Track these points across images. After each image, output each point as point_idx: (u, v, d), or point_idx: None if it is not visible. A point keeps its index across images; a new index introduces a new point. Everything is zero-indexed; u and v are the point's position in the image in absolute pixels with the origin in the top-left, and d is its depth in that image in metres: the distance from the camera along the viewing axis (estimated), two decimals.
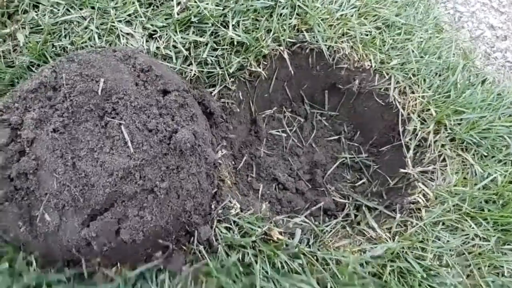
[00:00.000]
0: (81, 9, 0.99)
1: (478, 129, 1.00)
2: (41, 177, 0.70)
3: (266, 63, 0.99)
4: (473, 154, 0.99)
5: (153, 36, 0.95)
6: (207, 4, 0.97)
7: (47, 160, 0.70)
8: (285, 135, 1.06)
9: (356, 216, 0.96)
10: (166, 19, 0.97)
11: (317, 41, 1.02)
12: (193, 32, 0.95)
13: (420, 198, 0.92)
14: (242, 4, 0.97)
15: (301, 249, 0.82)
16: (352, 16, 1.08)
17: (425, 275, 0.81)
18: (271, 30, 0.99)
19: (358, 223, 0.92)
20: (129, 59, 0.80)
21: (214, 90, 0.94)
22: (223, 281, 0.74)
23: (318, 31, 1.02)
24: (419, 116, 1.01)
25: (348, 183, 1.03)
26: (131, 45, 0.94)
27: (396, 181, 1.00)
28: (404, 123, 1.01)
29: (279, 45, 0.99)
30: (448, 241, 0.86)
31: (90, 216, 0.71)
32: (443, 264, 0.84)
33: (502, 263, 0.86)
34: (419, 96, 1.01)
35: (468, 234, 0.88)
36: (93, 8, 0.98)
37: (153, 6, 0.99)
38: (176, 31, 0.95)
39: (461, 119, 1.01)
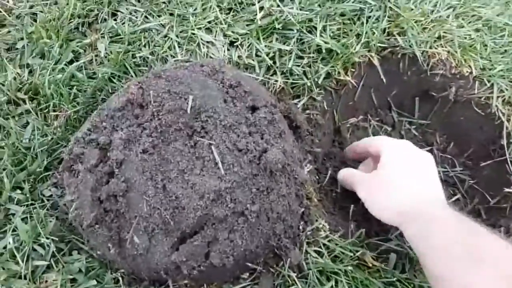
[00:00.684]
0: (159, 16, 0.96)
1: None
2: (131, 199, 0.68)
3: (354, 70, 0.92)
4: None
5: (235, 44, 0.91)
6: (290, 8, 0.91)
7: (136, 182, 0.68)
8: None
9: None
10: (247, 25, 0.92)
11: (410, 46, 0.94)
12: (277, 40, 0.90)
13: None
14: (329, 8, 0.90)
15: (397, 276, 0.76)
16: (448, 17, 0.99)
17: None
18: (360, 35, 0.92)
19: None
20: (217, 74, 0.77)
21: (299, 102, 0.89)
22: None
23: (412, 35, 0.94)
24: None
25: None
26: (212, 54, 0.90)
27: (498, 199, 0.91)
28: (508, 136, 0.92)
29: (369, 51, 0.93)
30: None
31: (179, 239, 0.69)
32: None
33: None
34: None
35: None
36: (171, 15, 0.95)
37: (234, 12, 0.95)
38: (258, 39, 0.90)
39: None
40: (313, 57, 0.89)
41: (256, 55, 0.90)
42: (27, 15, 0.99)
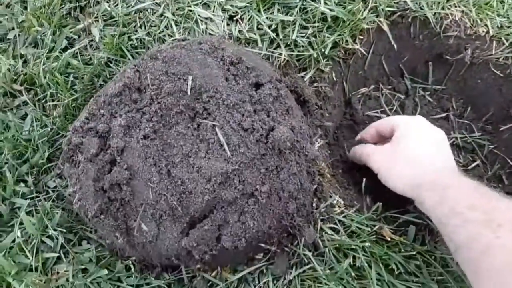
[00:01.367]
0: None
1: None
2: (135, 187, 0.66)
3: (362, 37, 0.88)
4: None
5: (234, 18, 0.87)
6: None
7: (140, 169, 0.66)
8: (384, 115, 0.95)
9: None
10: None
11: (421, 8, 0.88)
12: (278, 10, 0.86)
13: None
14: None
15: (416, 249, 0.73)
16: None
17: None
18: (367, 0, 0.86)
19: None
20: (217, 51, 0.73)
21: (306, 75, 0.84)
22: None
23: None
24: None
25: (460, 166, 0.91)
26: (212, 30, 0.86)
27: None
28: None
29: (377, 16, 0.87)
30: None
31: (189, 224, 0.67)
32: None
33: None
34: None
35: None
36: None
37: None
38: (259, 11, 0.85)
39: None
40: (318, 26, 0.85)
41: (258, 28, 0.85)
42: (16, 3, 0.96)
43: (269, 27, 0.84)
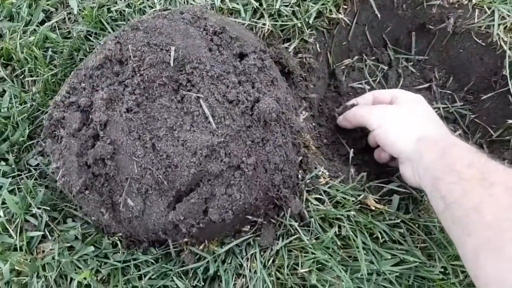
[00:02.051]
0: None
1: None
2: (119, 161, 0.66)
3: (346, 6, 0.86)
4: None
5: None
6: None
7: (124, 143, 0.65)
8: (368, 87, 0.95)
9: None
10: None
11: None
12: None
13: None
14: None
15: (400, 217, 0.75)
16: None
17: None
18: None
19: None
20: (199, 20, 0.71)
21: (290, 45, 0.83)
22: (320, 257, 0.68)
23: None
24: None
25: None
26: (193, 0, 0.84)
27: (501, 132, 0.88)
28: (511, 65, 0.87)
29: None
30: None
31: (175, 198, 0.66)
32: None
33: None
34: None
35: None
36: None
37: None
38: None
39: None
40: None
41: None
42: None
43: None
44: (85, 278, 0.69)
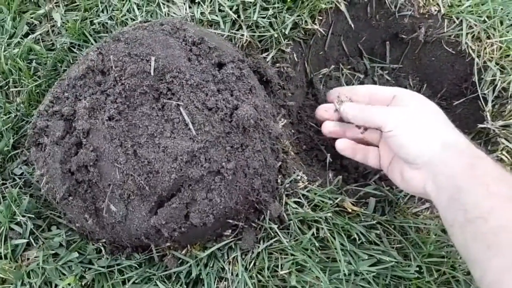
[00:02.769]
0: None
1: None
2: (102, 168, 0.67)
3: (321, 18, 0.90)
4: None
5: (196, 1, 0.88)
6: None
7: (106, 151, 0.67)
8: None
9: None
10: None
11: None
12: None
13: (504, 155, 0.84)
14: None
15: (377, 219, 0.77)
16: None
17: None
18: None
19: None
20: (178, 31, 0.74)
21: (268, 55, 0.86)
22: (299, 258, 0.71)
23: None
24: (497, 63, 0.90)
25: None
26: (174, 13, 0.87)
27: (473, 136, 0.92)
28: (480, 72, 0.91)
29: None
30: None
31: (157, 203, 0.68)
32: None
33: None
34: (496, 41, 0.90)
35: None
36: None
37: None
38: None
39: None
40: (278, 7, 0.86)
41: (219, 10, 0.86)
42: None
43: (231, 8, 0.85)
44: (69, 284, 0.71)
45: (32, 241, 0.74)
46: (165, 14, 0.87)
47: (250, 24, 0.86)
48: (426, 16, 0.95)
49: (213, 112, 0.70)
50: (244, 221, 0.75)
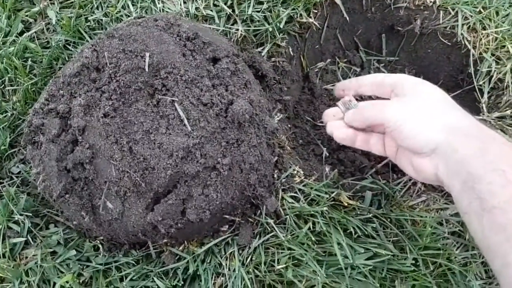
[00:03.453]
0: None
1: None
2: (98, 165, 0.68)
3: (316, 11, 0.90)
4: None
5: None
6: None
7: (102, 148, 0.67)
8: None
9: None
10: None
11: None
12: None
13: None
14: None
15: (373, 212, 0.77)
16: None
17: None
18: None
19: None
20: (172, 27, 0.74)
21: (263, 49, 0.86)
22: (296, 252, 0.71)
23: None
24: (493, 55, 0.90)
25: None
26: (168, 9, 0.87)
27: None
28: (475, 64, 0.91)
29: None
30: None
31: (153, 200, 0.68)
32: None
33: None
34: (492, 32, 0.89)
35: None
36: None
37: None
38: None
39: None
40: (272, 1, 0.86)
41: (214, 5, 0.86)
42: None
43: (225, 3, 0.85)
44: (67, 282, 0.71)
45: (30, 239, 0.75)
46: (159, 10, 0.87)
47: (245, 18, 0.86)
48: (422, 7, 0.94)
49: (208, 107, 0.70)
50: (241, 216, 0.76)
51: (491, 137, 0.57)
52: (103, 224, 0.70)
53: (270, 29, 0.84)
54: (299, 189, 0.78)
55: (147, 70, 0.69)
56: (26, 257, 0.74)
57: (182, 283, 0.73)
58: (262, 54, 0.86)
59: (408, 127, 0.62)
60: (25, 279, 0.72)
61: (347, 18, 0.94)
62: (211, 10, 0.86)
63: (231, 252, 0.74)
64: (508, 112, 0.87)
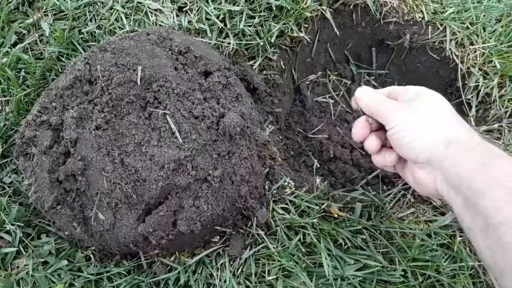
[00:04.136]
0: None
1: None
2: (90, 177, 0.68)
3: (307, 25, 0.91)
4: None
5: (183, 10, 0.89)
6: None
7: (93, 160, 0.68)
8: (332, 101, 1.00)
9: None
10: None
11: None
12: (226, 1, 0.88)
13: None
14: None
15: (363, 224, 0.78)
16: None
17: None
18: None
19: None
20: (165, 41, 0.75)
21: (254, 63, 0.87)
22: (286, 264, 0.71)
23: None
24: (480, 69, 0.92)
25: None
26: (161, 22, 0.88)
27: None
28: (463, 78, 0.93)
29: (320, 4, 0.91)
30: None
31: (145, 211, 0.69)
32: None
33: None
34: (479, 48, 0.91)
35: None
36: None
37: None
38: (207, 2, 0.88)
39: None
40: (264, 15, 0.88)
41: (206, 19, 0.88)
42: None
43: (217, 17, 0.87)
44: None
45: (22, 249, 0.75)
46: (152, 23, 0.88)
47: (236, 32, 0.87)
48: (411, 22, 0.96)
49: (199, 120, 0.70)
50: (232, 227, 0.76)
51: (494, 153, 0.55)
52: (95, 235, 0.71)
53: (262, 43, 0.86)
54: (290, 201, 0.78)
55: (139, 83, 0.70)
56: (18, 267, 0.74)
57: None
58: (254, 67, 0.87)
59: (406, 134, 0.61)
60: None
61: (338, 33, 0.96)
62: (204, 24, 0.87)
63: (222, 263, 0.74)
64: (496, 125, 0.89)
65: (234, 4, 0.88)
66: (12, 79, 0.83)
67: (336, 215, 0.78)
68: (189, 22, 0.87)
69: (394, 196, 0.85)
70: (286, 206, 0.78)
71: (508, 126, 0.88)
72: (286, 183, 0.80)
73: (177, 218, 0.69)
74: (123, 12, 0.89)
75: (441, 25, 0.95)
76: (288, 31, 0.88)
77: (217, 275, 0.74)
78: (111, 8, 0.90)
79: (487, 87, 0.91)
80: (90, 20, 0.90)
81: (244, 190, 0.73)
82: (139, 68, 0.70)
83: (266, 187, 0.80)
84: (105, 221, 0.68)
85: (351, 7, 0.95)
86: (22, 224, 0.76)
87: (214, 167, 0.70)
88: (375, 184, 0.91)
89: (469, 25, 0.94)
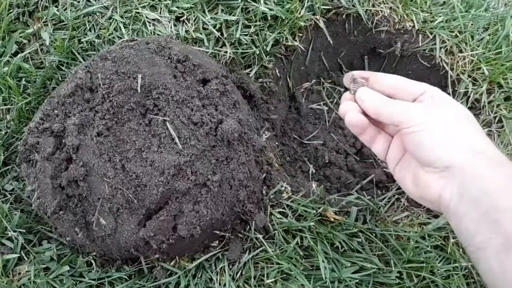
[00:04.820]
0: None
1: None
2: (91, 182, 0.69)
3: (301, 34, 0.94)
4: None
5: (181, 19, 0.91)
6: None
7: (95, 165, 0.69)
8: (327, 108, 1.02)
9: None
10: None
11: (353, 5, 0.96)
12: (222, 11, 0.91)
13: None
14: None
15: (358, 227, 0.80)
16: None
17: None
18: None
19: None
20: (164, 50, 0.77)
21: (251, 71, 0.90)
22: (284, 266, 0.73)
23: None
24: (469, 76, 0.95)
25: None
26: (159, 31, 0.90)
27: None
28: (453, 84, 0.95)
29: (314, 14, 0.94)
30: None
31: (145, 216, 0.70)
32: None
33: None
34: (468, 55, 0.94)
35: None
36: None
37: None
38: (204, 11, 0.90)
39: None
40: (259, 25, 0.90)
41: (203, 28, 0.90)
42: None
43: (214, 26, 0.89)
44: None
45: (24, 255, 0.75)
46: (151, 32, 0.90)
47: (233, 41, 0.89)
48: (402, 31, 0.99)
49: (198, 126, 0.72)
50: (231, 232, 0.78)
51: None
52: (96, 240, 0.72)
53: (258, 52, 0.88)
54: (287, 205, 0.80)
55: (139, 91, 0.72)
56: (19, 273, 0.75)
57: None
58: (250, 75, 0.89)
59: (427, 135, 0.56)
60: None
61: (331, 41, 0.98)
62: (201, 33, 0.89)
63: (221, 267, 0.76)
64: (485, 130, 0.91)
65: (230, 14, 0.90)
66: (13, 88, 0.84)
67: (332, 219, 0.80)
68: (186, 31, 0.89)
69: (389, 200, 0.87)
70: (283, 210, 0.80)
71: (497, 131, 0.91)
72: (283, 188, 0.82)
73: (177, 222, 0.70)
74: (121, 21, 0.91)
75: (431, 33, 0.98)
76: (283, 40, 0.91)
77: (217, 279, 0.75)
78: (110, 18, 0.92)
79: (476, 93, 0.93)
80: (90, 30, 0.92)
81: (242, 194, 0.75)
82: (139, 76, 0.72)
83: (264, 192, 0.81)
84: (107, 226, 0.70)
85: (344, 16, 0.98)
86: (24, 231, 0.77)
87: (213, 172, 0.71)
88: (370, 189, 0.93)
89: (457, 34, 0.97)
